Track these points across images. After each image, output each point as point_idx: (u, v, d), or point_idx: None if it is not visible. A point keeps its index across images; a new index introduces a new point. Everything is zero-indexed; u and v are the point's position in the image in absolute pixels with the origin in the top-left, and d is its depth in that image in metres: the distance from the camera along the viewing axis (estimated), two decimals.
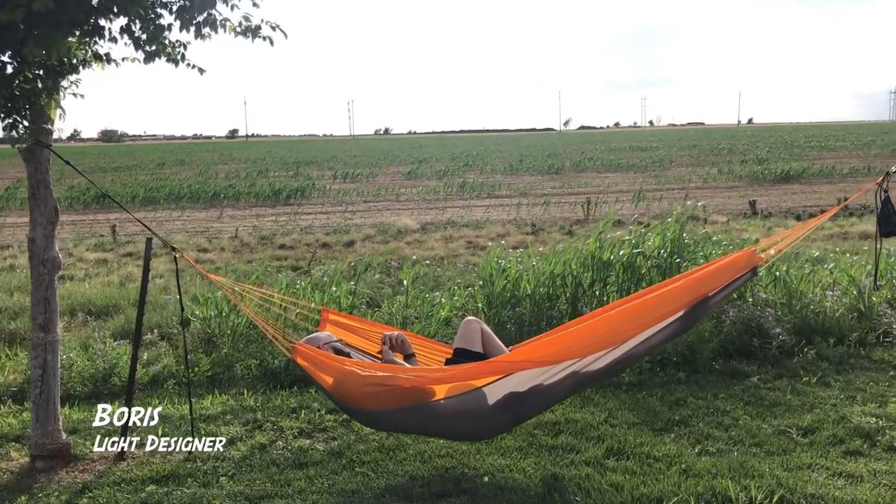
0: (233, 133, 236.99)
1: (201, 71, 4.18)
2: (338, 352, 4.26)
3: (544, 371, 3.96)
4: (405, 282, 7.65)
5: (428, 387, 3.93)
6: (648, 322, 4.06)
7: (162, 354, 6.73)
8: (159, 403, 5.55)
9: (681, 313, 4.16)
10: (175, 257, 4.60)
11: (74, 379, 6.07)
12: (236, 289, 4.91)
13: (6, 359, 6.72)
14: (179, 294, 4.78)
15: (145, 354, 6.75)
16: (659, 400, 5.39)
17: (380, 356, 4.56)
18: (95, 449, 4.67)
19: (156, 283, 10.58)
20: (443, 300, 7.25)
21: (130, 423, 4.68)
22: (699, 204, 11.15)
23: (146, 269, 4.66)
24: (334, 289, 7.43)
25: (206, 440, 4.67)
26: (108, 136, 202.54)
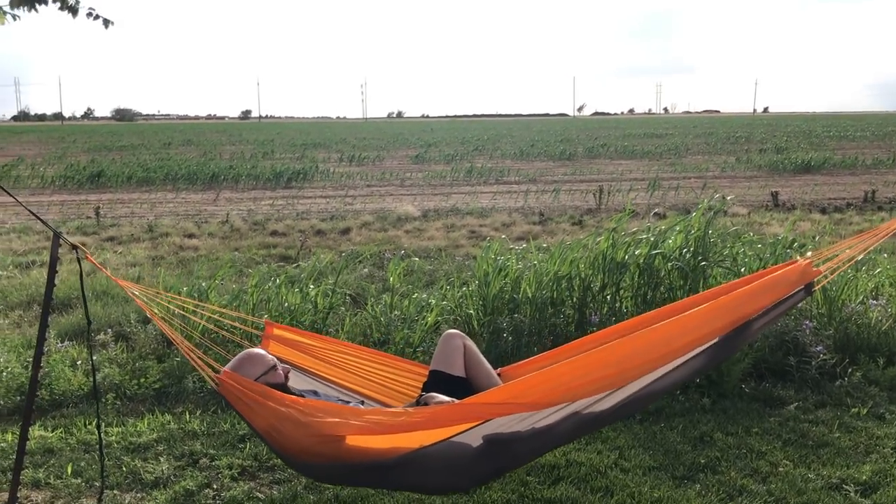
0: (246, 114, 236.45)
1: (106, 23, 3.29)
2: (278, 386, 3.35)
3: (538, 410, 3.06)
4: (391, 279, 6.76)
5: (390, 436, 3.02)
6: (672, 352, 3.14)
7: (109, 360, 5.87)
8: (85, 426, 4.68)
9: (714, 340, 3.24)
10: (77, 258, 3.71)
11: (0, 390, 5.22)
12: (168, 301, 4.01)
13: None
14: (84, 303, 3.90)
15: (94, 356, 5.90)
16: (680, 435, 4.48)
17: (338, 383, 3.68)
18: None
19: (127, 272, 9.75)
20: (432, 302, 6.35)
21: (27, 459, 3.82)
22: (727, 198, 10.16)
23: (52, 272, 3.77)
24: (311, 286, 6.54)
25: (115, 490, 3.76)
26: (121, 114, 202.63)
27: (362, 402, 3.71)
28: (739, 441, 4.37)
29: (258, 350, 3.49)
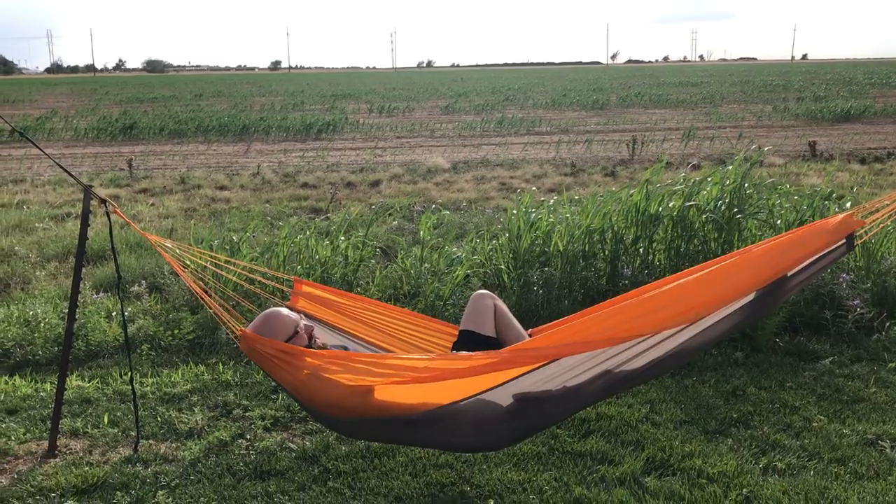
0: (275, 65, 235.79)
1: None
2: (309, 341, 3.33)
3: (570, 368, 3.03)
4: (421, 232, 6.72)
5: (419, 391, 3.00)
6: (708, 305, 3.06)
7: (144, 312, 5.95)
8: (120, 376, 4.76)
9: (751, 297, 3.17)
10: (107, 212, 3.72)
11: (38, 340, 5.31)
12: (188, 263, 4.02)
13: None
14: (115, 257, 3.93)
15: (129, 308, 5.98)
16: (712, 388, 4.44)
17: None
18: (22, 441, 3.90)
19: (160, 224, 9.84)
20: (462, 256, 6.32)
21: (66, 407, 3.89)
22: (764, 148, 9.92)
23: (84, 226, 3.81)
24: (342, 239, 6.54)
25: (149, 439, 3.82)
26: (152, 66, 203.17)
27: None
28: (773, 396, 4.32)
29: (280, 310, 3.44)
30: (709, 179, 6.10)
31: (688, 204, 5.87)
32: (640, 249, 6.06)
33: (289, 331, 3.35)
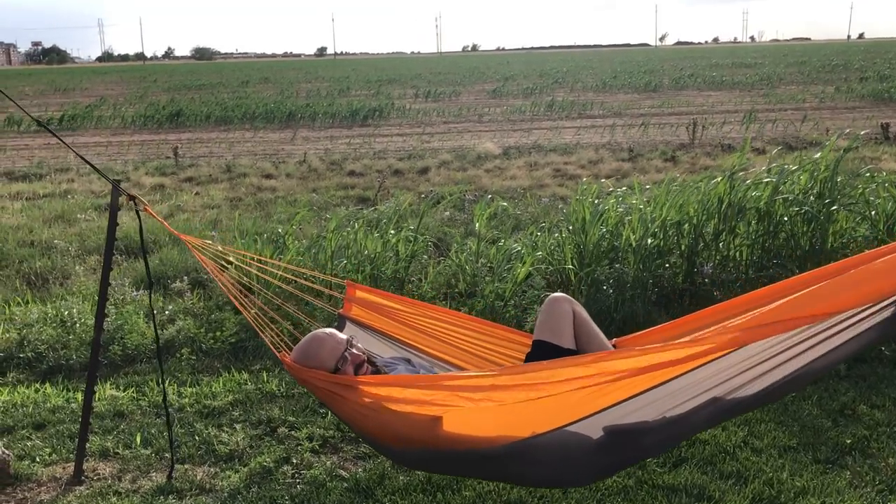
0: (321, 51, 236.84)
1: None
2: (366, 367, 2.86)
3: (671, 395, 2.54)
4: (476, 224, 6.24)
5: (497, 422, 2.54)
6: (843, 305, 2.48)
7: (185, 311, 5.59)
8: (157, 384, 4.39)
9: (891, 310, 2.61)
10: (136, 210, 3.33)
11: (72, 343, 4.98)
12: (231, 258, 3.62)
13: None
14: (144, 254, 3.54)
15: (170, 306, 5.64)
16: (816, 406, 3.90)
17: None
18: (48, 462, 3.53)
19: (205, 215, 9.53)
20: (522, 250, 5.83)
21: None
22: (860, 133, 9.16)
23: (112, 225, 3.42)
24: (392, 232, 6.10)
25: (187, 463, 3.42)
26: (200, 53, 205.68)
27: None
28: (889, 416, 3.77)
29: (325, 334, 2.98)
30: (788, 166, 5.51)
31: (779, 197, 5.29)
32: (720, 244, 5.51)
33: (336, 355, 2.90)
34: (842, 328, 2.54)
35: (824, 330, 2.50)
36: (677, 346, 2.45)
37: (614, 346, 3.25)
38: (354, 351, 2.92)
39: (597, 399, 2.51)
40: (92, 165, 3.50)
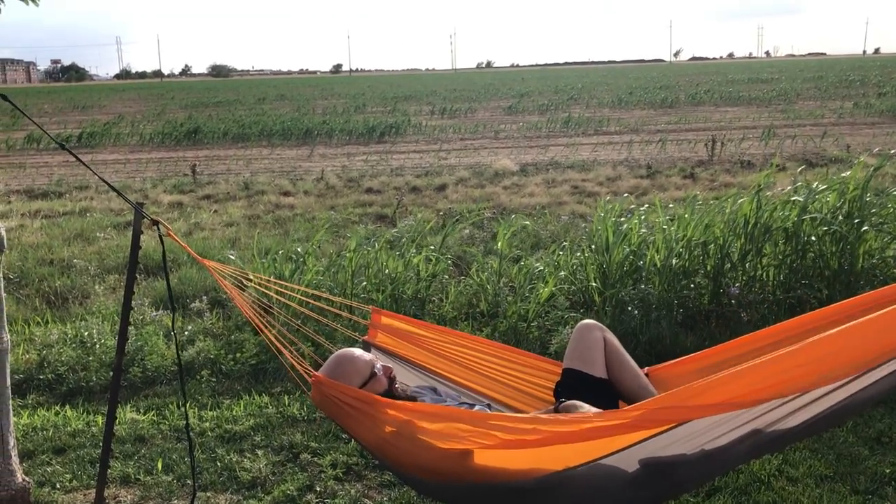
0: (337, 68, 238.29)
1: None
2: (382, 393, 2.81)
3: (709, 428, 2.46)
4: (499, 244, 6.17)
5: (530, 455, 2.47)
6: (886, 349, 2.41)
7: (204, 332, 5.55)
8: (178, 408, 4.34)
9: None
10: (160, 235, 3.28)
11: (92, 365, 4.94)
12: (251, 277, 3.57)
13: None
14: (167, 279, 3.49)
15: (189, 327, 5.60)
16: (851, 434, 3.79)
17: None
18: (68, 489, 3.48)
19: (224, 233, 9.52)
20: (544, 270, 5.76)
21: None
22: (891, 151, 9.05)
23: (135, 249, 3.37)
24: (413, 251, 6.05)
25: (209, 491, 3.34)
26: (217, 71, 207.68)
27: (489, 406, 3.17)
28: None
29: (353, 351, 2.95)
30: (831, 186, 5.42)
31: (807, 216, 5.19)
32: (746, 265, 5.42)
33: (365, 374, 2.85)
34: (888, 358, 2.45)
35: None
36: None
37: (646, 374, 3.17)
38: (383, 366, 2.87)
39: (633, 432, 2.44)
40: (115, 189, 3.46)
